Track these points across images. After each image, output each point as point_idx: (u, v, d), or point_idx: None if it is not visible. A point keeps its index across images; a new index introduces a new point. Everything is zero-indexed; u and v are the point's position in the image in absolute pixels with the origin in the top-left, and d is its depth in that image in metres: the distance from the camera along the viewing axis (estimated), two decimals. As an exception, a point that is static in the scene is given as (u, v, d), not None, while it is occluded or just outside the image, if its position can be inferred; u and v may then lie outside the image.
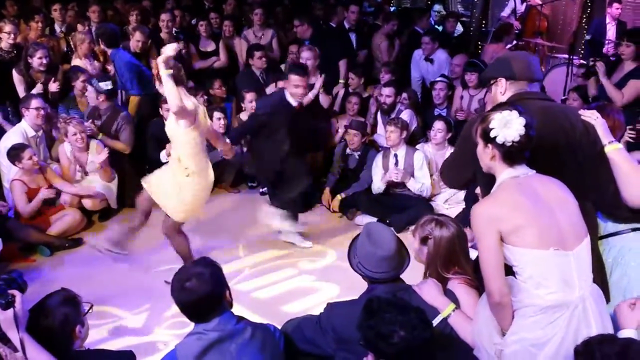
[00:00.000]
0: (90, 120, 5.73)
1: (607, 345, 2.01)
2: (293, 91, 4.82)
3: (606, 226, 2.94)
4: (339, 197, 5.76)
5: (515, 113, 2.32)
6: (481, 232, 2.31)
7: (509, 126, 2.31)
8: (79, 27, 7.58)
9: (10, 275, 2.30)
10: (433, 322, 2.48)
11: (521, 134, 2.30)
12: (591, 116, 2.72)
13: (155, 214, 5.82)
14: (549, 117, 2.64)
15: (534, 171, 2.40)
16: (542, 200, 2.32)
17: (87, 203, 5.42)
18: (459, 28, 9.26)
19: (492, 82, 2.82)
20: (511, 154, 2.35)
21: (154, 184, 4.28)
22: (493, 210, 2.32)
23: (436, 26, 9.32)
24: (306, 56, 6.03)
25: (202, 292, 2.33)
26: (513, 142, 2.31)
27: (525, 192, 2.32)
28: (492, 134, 2.34)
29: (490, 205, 2.35)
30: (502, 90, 2.77)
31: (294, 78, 4.80)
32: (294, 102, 4.86)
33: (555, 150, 2.62)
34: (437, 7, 9.63)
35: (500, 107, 2.43)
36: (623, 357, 1.97)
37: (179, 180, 4.14)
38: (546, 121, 2.58)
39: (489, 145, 2.37)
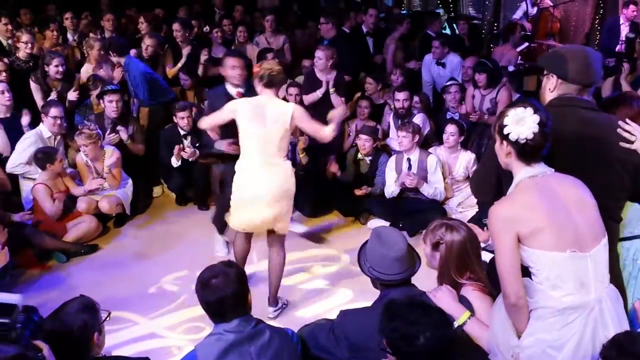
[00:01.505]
0: (110, 131, 5.81)
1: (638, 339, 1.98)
2: (230, 74, 4.41)
3: None
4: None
5: (529, 110, 2.27)
6: (498, 233, 2.28)
7: (521, 123, 2.27)
8: (91, 35, 7.68)
9: (25, 315, 2.15)
10: None
11: (535, 132, 2.26)
12: (630, 137, 2.47)
13: (171, 219, 5.89)
14: (588, 128, 2.49)
15: (552, 170, 2.36)
16: (560, 200, 2.28)
17: (104, 206, 5.45)
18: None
19: (545, 73, 2.65)
20: (526, 152, 2.30)
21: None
22: (511, 212, 2.28)
23: (442, 30, 9.30)
24: (318, 55, 6.06)
25: (227, 291, 2.37)
26: (527, 139, 2.27)
27: (543, 192, 2.28)
28: (505, 131, 2.31)
29: (508, 207, 2.31)
30: (552, 87, 2.60)
31: (229, 60, 4.41)
32: (233, 91, 4.44)
33: (587, 163, 2.49)
34: (440, 11, 9.59)
35: (515, 103, 2.36)
36: None
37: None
38: (584, 132, 2.47)
39: (504, 142, 2.34)
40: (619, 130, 2.47)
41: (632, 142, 2.45)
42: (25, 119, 5.81)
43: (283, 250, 4.11)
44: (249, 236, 4.18)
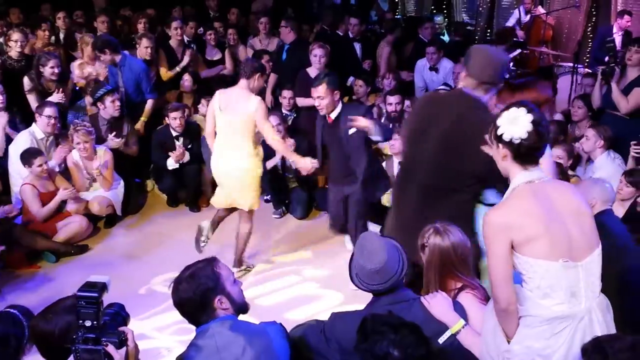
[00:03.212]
0: (113, 134, 5.77)
1: (618, 341, 1.98)
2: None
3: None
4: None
5: (523, 109, 2.26)
6: (492, 239, 2.27)
7: (515, 123, 2.25)
8: (77, 34, 7.62)
9: (114, 309, 2.23)
10: (441, 338, 2.46)
11: (529, 131, 2.24)
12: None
13: (161, 220, 5.87)
14: (458, 123, 2.82)
15: (550, 176, 2.35)
16: (556, 208, 2.27)
17: (94, 208, 5.43)
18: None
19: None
20: (521, 153, 2.28)
21: None
22: (506, 219, 2.26)
23: (440, 37, 9.32)
24: (319, 53, 5.98)
25: (183, 296, 2.33)
26: (521, 139, 2.25)
27: (539, 199, 2.26)
28: (499, 132, 2.30)
29: (504, 214, 2.29)
30: (462, 77, 2.88)
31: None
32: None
33: (431, 137, 2.84)
34: (438, 18, 9.60)
35: (509, 106, 2.35)
36: (635, 350, 1.92)
37: None
38: (454, 126, 2.82)
39: (500, 144, 2.33)
40: (486, 136, 2.45)
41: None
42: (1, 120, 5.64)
43: (249, 223, 4.66)
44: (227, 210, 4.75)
